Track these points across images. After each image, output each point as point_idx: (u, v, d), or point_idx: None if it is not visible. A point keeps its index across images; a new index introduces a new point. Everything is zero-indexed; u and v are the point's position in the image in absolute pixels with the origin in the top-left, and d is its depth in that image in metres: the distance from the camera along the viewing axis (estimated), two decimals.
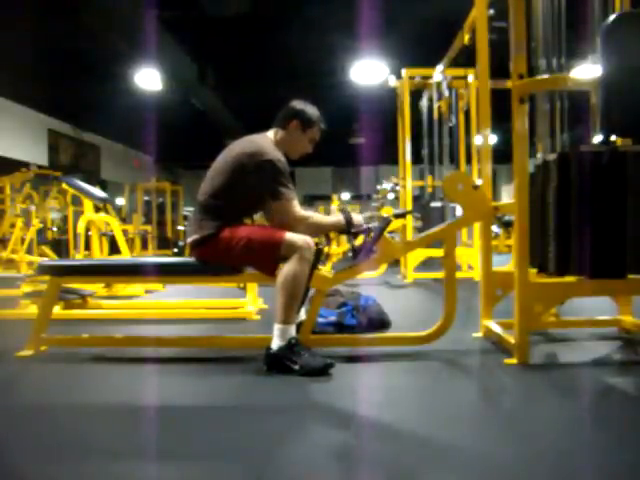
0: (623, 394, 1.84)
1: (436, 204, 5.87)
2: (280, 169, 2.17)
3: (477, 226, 4.89)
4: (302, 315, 2.37)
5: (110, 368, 2.21)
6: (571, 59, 2.50)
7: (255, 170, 2.16)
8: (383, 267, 5.39)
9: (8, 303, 3.69)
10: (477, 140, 5.23)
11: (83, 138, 13.05)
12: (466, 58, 4.19)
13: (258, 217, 2.68)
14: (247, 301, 3.46)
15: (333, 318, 2.57)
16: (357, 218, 2.31)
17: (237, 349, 2.45)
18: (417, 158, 5.97)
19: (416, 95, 6.22)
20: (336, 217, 2.32)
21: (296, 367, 2.01)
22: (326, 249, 5.88)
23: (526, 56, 2.17)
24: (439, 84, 5.73)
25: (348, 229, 2.27)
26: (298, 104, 2.34)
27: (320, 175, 18.90)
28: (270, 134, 2.35)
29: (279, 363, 2.04)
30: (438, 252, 4.86)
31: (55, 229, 8.79)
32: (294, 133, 2.32)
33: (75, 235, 4.59)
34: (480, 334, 2.65)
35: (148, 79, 8.44)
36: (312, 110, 2.35)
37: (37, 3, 6.49)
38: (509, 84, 2.18)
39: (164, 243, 11.77)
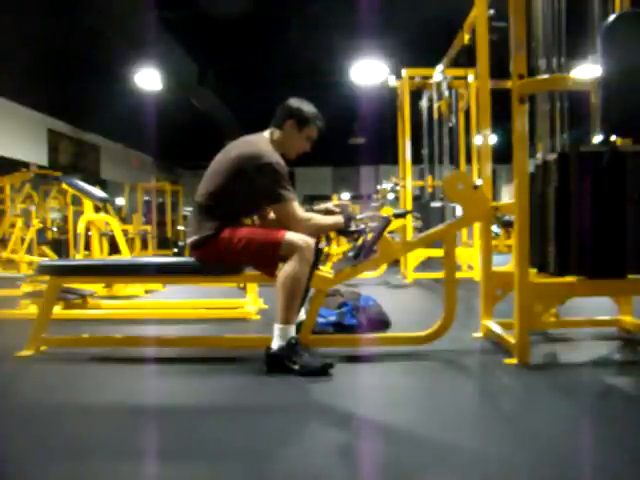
0: (623, 394, 1.84)
1: (436, 204, 5.86)
2: (279, 171, 2.17)
3: (477, 226, 4.89)
4: (302, 315, 2.37)
5: (110, 368, 2.21)
6: (571, 59, 2.49)
7: (254, 173, 2.16)
8: (383, 267, 5.39)
9: (8, 303, 3.69)
10: (477, 140, 5.23)
11: (83, 138, 13.04)
12: (466, 58, 4.19)
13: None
14: (247, 301, 3.46)
15: (333, 318, 2.57)
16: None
17: (237, 349, 2.45)
18: (417, 158, 5.96)
19: (416, 95, 6.21)
20: (335, 217, 2.32)
21: (296, 367, 2.01)
22: (326, 249, 5.88)
23: (526, 56, 2.17)
24: (439, 84, 5.72)
25: (346, 227, 2.27)
26: (294, 102, 2.32)
27: (320, 175, 18.89)
28: (266, 134, 2.34)
29: (279, 363, 2.04)
30: (438, 252, 4.86)
31: (55, 229, 8.79)
32: (290, 132, 2.31)
33: (75, 235, 4.59)
34: (480, 334, 2.65)
35: (148, 79, 8.44)
36: (308, 108, 2.32)
37: (37, 3, 6.49)
38: (509, 84, 2.18)
39: (164, 243, 11.77)
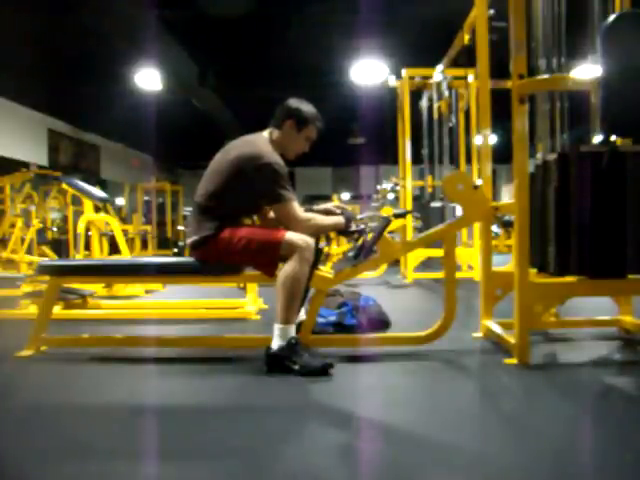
0: (623, 394, 1.84)
1: (436, 204, 5.86)
2: (279, 172, 2.17)
3: (477, 226, 4.89)
4: (302, 315, 2.37)
5: (110, 368, 2.22)
6: (571, 59, 2.49)
7: (254, 173, 2.16)
8: (383, 267, 5.39)
9: (8, 303, 3.69)
10: (477, 140, 5.23)
11: (83, 138, 13.04)
12: (466, 58, 4.20)
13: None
14: (247, 301, 3.46)
15: (333, 318, 2.57)
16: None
17: (237, 349, 2.45)
18: (417, 158, 5.96)
19: (416, 95, 6.21)
20: (336, 218, 2.32)
21: (296, 367, 2.01)
22: (326, 249, 5.88)
23: (526, 56, 2.17)
24: (439, 84, 5.72)
25: (347, 228, 2.28)
26: (293, 103, 2.32)
27: (320, 175, 18.89)
28: (265, 134, 2.33)
29: (279, 363, 2.04)
30: (438, 252, 4.86)
31: (55, 229, 8.79)
32: (289, 133, 2.31)
33: (75, 235, 4.59)
34: (480, 334, 2.65)
35: (148, 79, 8.44)
36: (307, 108, 2.32)
37: (37, 3, 6.49)
38: (509, 84, 2.18)
39: (164, 243, 11.77)
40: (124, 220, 10.89)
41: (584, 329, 2.73)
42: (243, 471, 1.27)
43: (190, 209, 11.84)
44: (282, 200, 2.17)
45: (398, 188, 6.89)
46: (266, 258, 2.21)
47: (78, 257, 4.42)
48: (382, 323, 2.64)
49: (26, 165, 9.45)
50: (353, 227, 2.31)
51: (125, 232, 8.00)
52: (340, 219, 2.29)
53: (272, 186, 2.16)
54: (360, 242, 2.33)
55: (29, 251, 6.88)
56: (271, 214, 2.50)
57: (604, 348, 2.49)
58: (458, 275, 2.40)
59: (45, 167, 10.51)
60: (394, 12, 6.60)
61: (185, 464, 1.30)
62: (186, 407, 1.73)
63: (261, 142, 2.26)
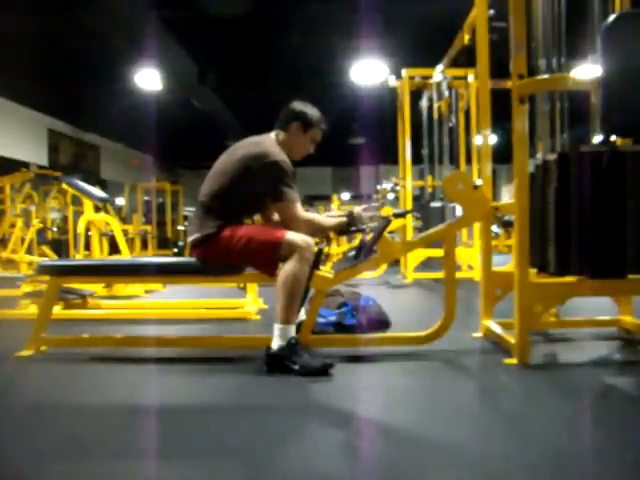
0: (623, 394, 1.84)
1: (436, 204, 5.86)
2: (285, 169, 2.19)
3: (477, 226, 4.89)
4: (302, 315, 2.37)
5: (110, 368, 2.21)
6: (571, 59, 2.49)
7: (260, 171, 2.17)
8: (383, 267, 5.39)
9: (8, 303, 3.69)
10: (477, 140, 5.23)
11: (83, 138, 13.04)
12: (466, 58, 4.20)
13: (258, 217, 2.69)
14: (247, 301, 3.46)
15: (333, 318, 2.57)
16: (358, 211, 2.33)
17: (237, 349, 2.45)
18: (417, 158, 5.96)
19: (416, 95, 6.22)
20: (337, 219, 2.32)
21: (296, 367, 2.01)
22: (326, 249, 5.88)
23: (526, 56, 2.17)
24: (439, 84, 5.73)
25: (349, 227, 2.28)
26: (298, 105, 2.35)
27: (320, 175, 18.88)
28: (272, 135, 2.36)
29: (279, 363, 2.04)
30: (438, 252, 4.86)
31: (55, 229, 8.79)
32: (295, 134, 2.33)
33: (75, 235, 4.59)
34: (480, 334, 2.65)
35: (148, 79, 8.44)
36: (312, 111, 2.35)
37: (37, 3, 6.48)
38: (509, 84, 2.18)
39: (164, 243, 11.77)
40: (124, 220, 10.89)
41: (584, 329, 2.73)
42: (243, 471, 1.27)
43: (190, 209, 11.86)
44: (285, 199, 2.18)
45: (398, 188, 6.89)
46: (266, 258, 2.21)
47: (78, 257, 4.42)
48: (382, 323, 2.64)
49: (26, 165, 9.45)
50: (367, 215, 2.30)
51: (125, 232, 8.00)
52: (341, 219, 2.30)
53: (277, 184, 2.17)
54: (359, 239, 2.33)
55: (29, 251, 6.88)
56: (275, 216, 2.50)
57: (604, 348, 2.49)
58: (458, 275, 2.40)
59: (45, 167, 10.52)
60: (394, 12, 6.60)
61: (185, 464, 1.30)
62: (186, 407, 1.73)
63: (268, 142, 2.28)
